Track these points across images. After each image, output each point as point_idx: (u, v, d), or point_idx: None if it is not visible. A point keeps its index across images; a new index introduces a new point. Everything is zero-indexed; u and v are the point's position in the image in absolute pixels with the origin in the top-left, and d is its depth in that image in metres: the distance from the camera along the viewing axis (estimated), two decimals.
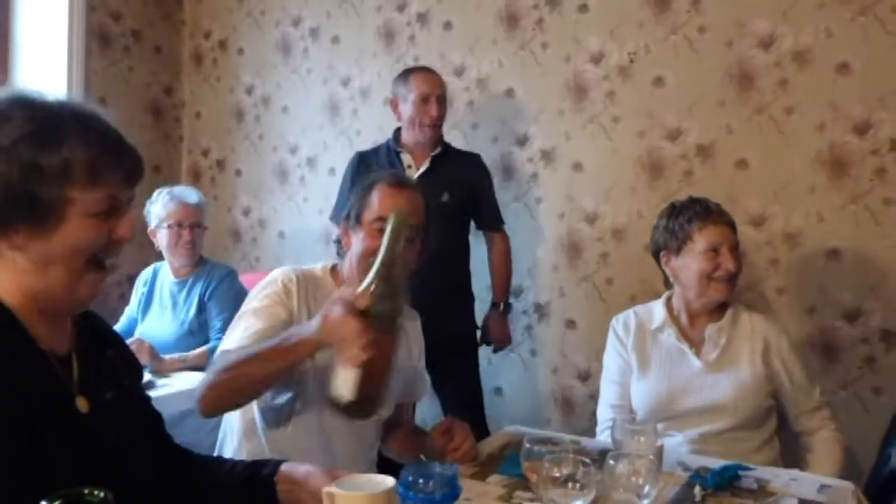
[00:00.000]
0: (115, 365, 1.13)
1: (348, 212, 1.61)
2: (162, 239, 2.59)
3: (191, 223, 2.58)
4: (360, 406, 1.13)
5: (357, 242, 1.55)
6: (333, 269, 1.64)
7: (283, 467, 1.14)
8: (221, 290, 2.58)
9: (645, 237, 2.72)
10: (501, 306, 2.74)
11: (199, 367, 2.39)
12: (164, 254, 2.64)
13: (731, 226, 1.89)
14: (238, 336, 1.46)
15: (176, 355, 2.43)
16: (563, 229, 2.90)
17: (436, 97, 2.57)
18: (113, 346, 1.16)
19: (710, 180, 2.61)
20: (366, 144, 3.26)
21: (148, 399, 1.24)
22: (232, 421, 1.63)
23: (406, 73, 2.66)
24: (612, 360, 1.98)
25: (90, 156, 0.95)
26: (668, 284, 1.99)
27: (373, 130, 3.26)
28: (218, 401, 1.37)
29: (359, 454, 1.61)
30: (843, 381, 2.47)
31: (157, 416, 1.23)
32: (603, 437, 1.87)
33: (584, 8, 2.83)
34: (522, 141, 2.96)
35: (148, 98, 3.64)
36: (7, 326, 0.96)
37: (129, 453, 1.06)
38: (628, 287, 2.77)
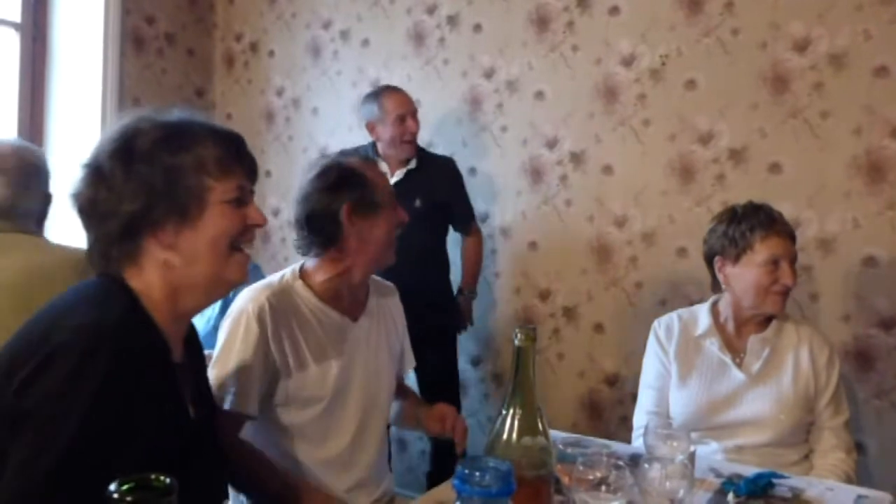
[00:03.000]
0: (206, 381, 1.25)
1: None
2: None
3: None
4: None
5: None
6: (303, 270, 1.60)
7: None
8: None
9: (675, 241, 2.70)
10: (466, 292, 2.91)
11: None
12: None
13: (792, 237, 1.83)
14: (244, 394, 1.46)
15: None
16: (593, 232, 2.88)
17: (410, 114, 2.75)
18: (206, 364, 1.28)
19: (742, 184, 2.57)
20: None
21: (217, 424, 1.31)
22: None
23: (375, 97, 2.79)
24: (650, 365, 1.94)
25: (218, 152, 1.09)
26: (715, 289, 1.94)
27: None
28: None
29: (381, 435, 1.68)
30: (878, 390, 2.42)
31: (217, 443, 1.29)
32: (638, 443, 1.83)
33: (614, 10, 2.81)
34: (552, 143, 2.95)
35: (180, 99, 3.67)
36: (153, 341, 1.04)
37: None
38: (657, 292, 2.74)
